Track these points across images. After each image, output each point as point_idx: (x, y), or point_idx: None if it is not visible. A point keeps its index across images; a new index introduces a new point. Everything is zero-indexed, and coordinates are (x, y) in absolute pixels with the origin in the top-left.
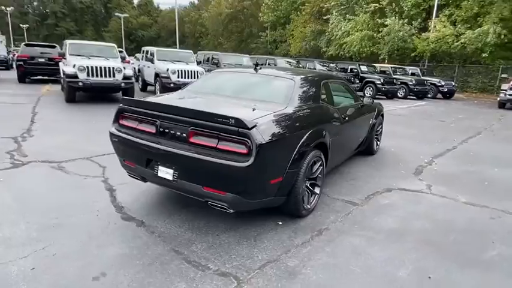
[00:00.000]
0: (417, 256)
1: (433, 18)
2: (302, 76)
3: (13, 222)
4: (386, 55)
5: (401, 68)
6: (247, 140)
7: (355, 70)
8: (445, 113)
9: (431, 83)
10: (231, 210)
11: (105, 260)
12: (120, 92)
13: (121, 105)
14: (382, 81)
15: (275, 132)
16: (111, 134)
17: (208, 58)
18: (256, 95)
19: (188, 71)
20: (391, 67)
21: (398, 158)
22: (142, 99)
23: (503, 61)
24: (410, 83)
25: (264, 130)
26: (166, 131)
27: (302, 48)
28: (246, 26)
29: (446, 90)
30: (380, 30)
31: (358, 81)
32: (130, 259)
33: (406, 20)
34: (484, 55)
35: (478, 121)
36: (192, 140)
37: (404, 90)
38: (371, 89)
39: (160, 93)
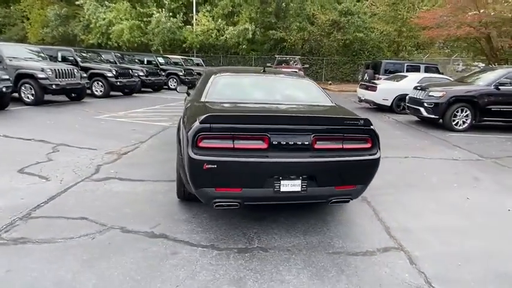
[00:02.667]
0: (422, 194)
1: (194, 13)
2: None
3: None
4: (159, 46)
5: (190, 59)
6: (370, 135)
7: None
8: None
9: None
10: (349, 201)
11: None
12: None
13: (200, 123)
14: None
15: None
16: (199, 162)
17: None
18: (301, 97)
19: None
20: (182, 58)
21: None
22: (242, 114)
23: (254, 52)
24: None
25: None
26: (283, 143)
27: (47, 35)
28: None
29: None
30: (146, 20)
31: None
32: (320, 279)
33: (171, 13)
34: (243, 47)
35: None
36: (317, 146)
37: None
38: None
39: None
